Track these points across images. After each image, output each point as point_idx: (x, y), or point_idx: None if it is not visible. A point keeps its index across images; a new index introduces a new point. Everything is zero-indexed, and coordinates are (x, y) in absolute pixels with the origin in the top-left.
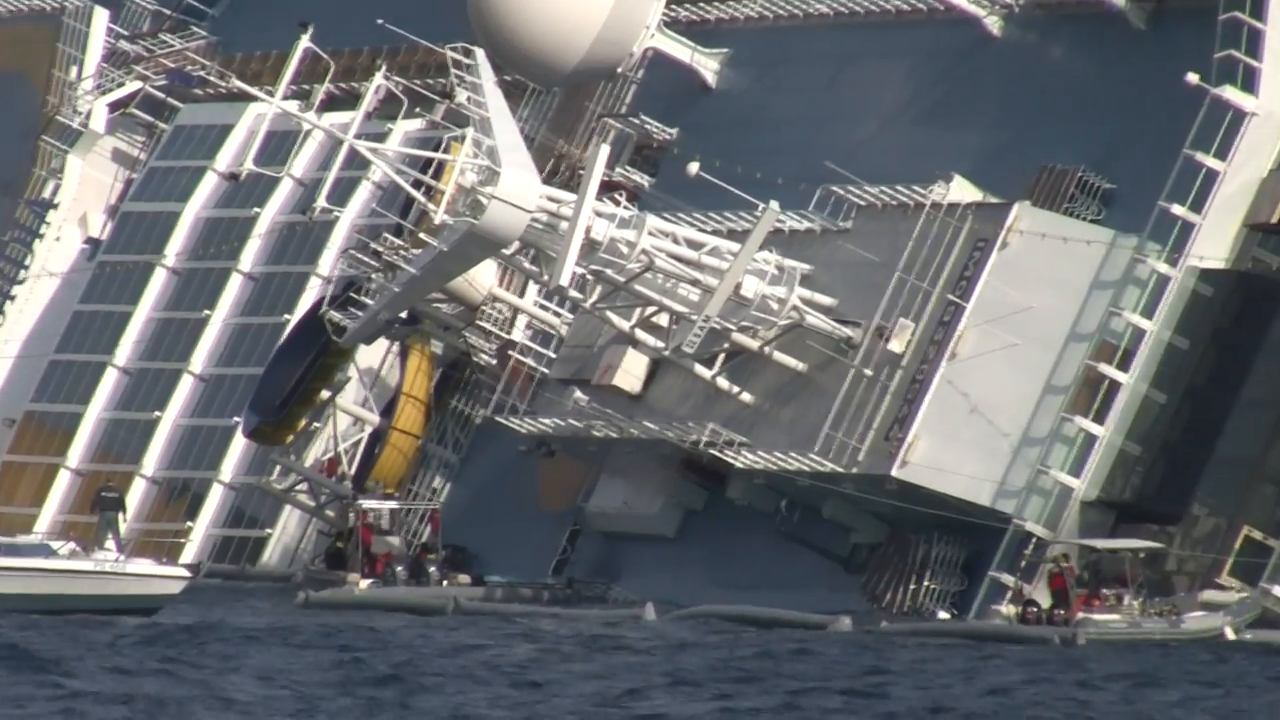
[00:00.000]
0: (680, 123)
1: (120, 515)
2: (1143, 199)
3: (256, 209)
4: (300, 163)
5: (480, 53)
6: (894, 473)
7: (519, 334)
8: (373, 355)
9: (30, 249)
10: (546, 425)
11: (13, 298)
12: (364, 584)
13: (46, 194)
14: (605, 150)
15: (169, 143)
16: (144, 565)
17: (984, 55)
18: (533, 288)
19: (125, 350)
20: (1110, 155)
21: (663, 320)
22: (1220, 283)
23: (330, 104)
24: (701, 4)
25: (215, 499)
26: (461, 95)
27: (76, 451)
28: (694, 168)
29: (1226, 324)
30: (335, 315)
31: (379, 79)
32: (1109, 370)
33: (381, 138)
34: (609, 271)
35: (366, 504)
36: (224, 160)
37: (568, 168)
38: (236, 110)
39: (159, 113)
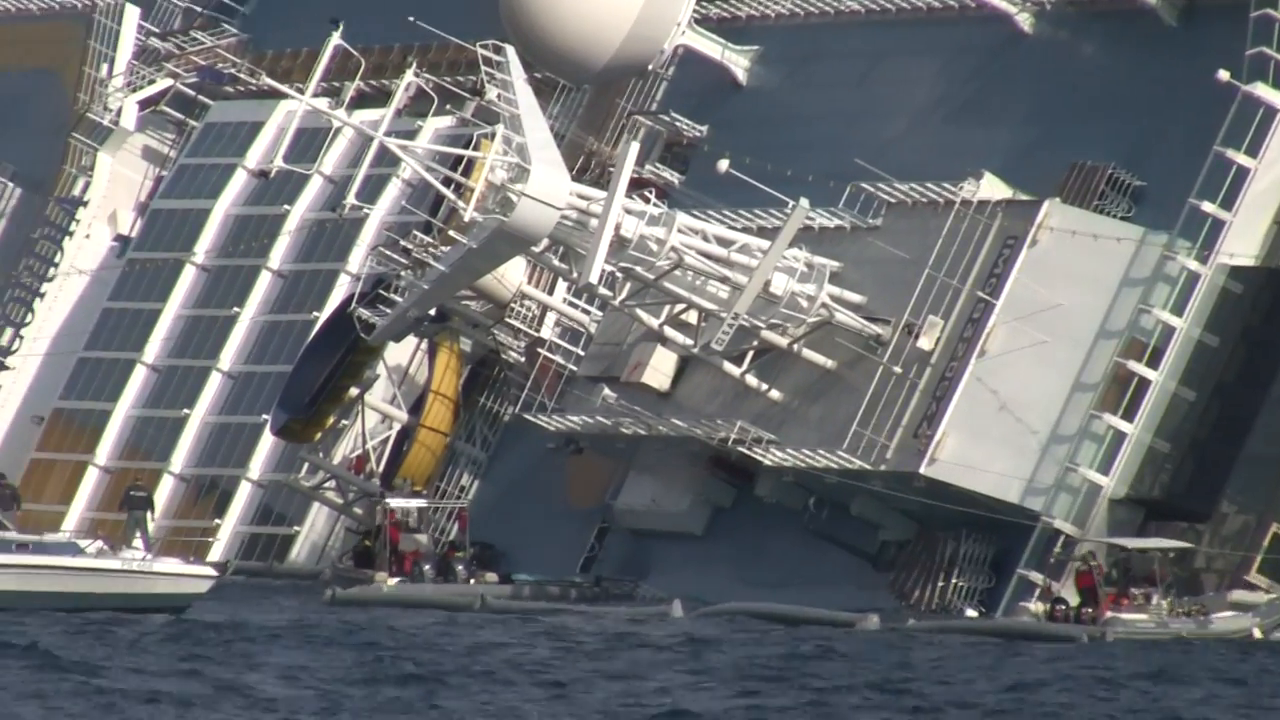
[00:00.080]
0: (710, 120)
1: (149, 514)
2: (1173, 196)
3: (286, 206)
4: (330, 160)
5: (511, 50)
6: (923, 470)
7: (548, 331)
8: (401, 353)
9: (60, 246)
10: (575, 423)
11: (42, 295)
12: (391, 582)
13: (77, 191)
14: (635, 147)
15: (199, 140)
16: (172, 564)
17: (1015, 52)
18: (562, 285)
19: (154, 347)
20: (1140, 152)
21: (692, 318)
22: (1250, 280)
23: (360, 101)
24: (732, 1)
25: (243, 496)
26: (492, 92)
27: (105, 449)
28: (724, 165)
29: (1256, 321)
30: (364, 312)
31: (409, 76)
32: (1138, 367)
33: (411, 135)
34: (638, 269)
35: (394, 502)
36: (254, 157)
37: (598, 165)
38: (267, 107)
39: (189, 110)
